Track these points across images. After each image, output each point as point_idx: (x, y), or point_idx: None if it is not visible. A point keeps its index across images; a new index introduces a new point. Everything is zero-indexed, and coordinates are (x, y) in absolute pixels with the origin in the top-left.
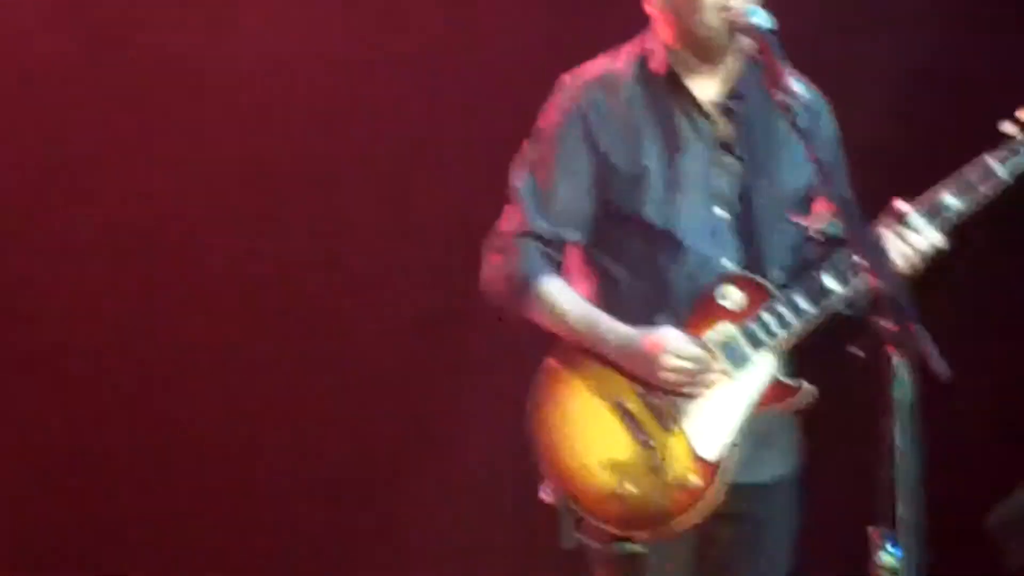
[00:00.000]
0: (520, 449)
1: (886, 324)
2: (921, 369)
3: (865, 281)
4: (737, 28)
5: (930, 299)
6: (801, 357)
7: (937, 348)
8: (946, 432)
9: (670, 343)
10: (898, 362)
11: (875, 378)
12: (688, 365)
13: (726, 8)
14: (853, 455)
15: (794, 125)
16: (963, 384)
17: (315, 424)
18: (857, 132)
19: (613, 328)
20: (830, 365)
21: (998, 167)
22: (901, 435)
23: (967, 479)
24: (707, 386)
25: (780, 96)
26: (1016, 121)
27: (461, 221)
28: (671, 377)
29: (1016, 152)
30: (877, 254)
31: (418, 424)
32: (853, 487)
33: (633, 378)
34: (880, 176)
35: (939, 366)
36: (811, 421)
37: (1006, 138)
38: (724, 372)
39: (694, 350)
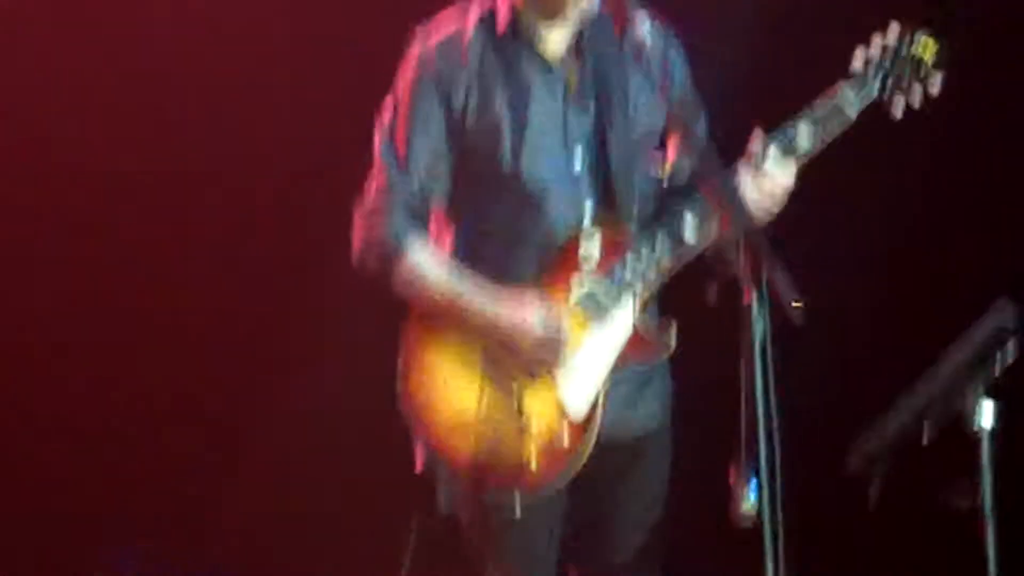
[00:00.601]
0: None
1: (741, 266)
2: (777, 309)
3: (722, 225)
4: None
5: (790, 238)
6: (661, 305)
7: (794, 288)
8: (807, 369)
9: (534, 326)
10: (752, 303)
11: (732, 320)
12: (552, 348)
13: None
14: (718, 399)
15: (641, 70)
16: (822, 322)
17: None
18: (715, 69)
19: (478, 309)
20: (691, 311)
21: (846, 102)
22: (755, 375)
23: (828, 414)
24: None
25: (628, 43)
26: (863, 55)
27: None
28: (537, 358)
29: (864, 85)
30: (733, 198)
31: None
32: (719, 430)
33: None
34: (738, 114)
35: (793, 306)
36: (678, 367)
37: (855, 71)
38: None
39: (558, 335)
